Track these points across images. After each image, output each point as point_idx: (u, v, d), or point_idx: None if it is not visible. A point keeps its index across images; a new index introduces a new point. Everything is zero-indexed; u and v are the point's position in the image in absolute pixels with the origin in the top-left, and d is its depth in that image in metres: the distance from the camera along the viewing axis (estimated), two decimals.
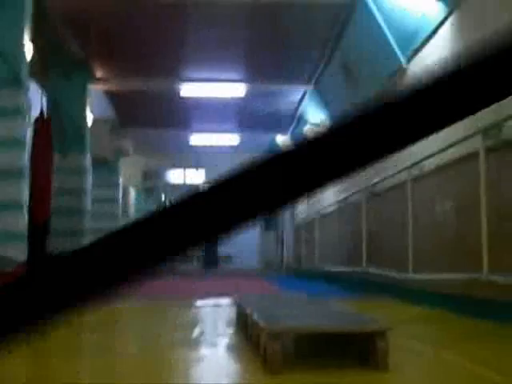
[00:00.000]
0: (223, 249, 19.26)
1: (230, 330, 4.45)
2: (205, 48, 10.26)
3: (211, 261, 18.89)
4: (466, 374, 2.85)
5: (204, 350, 3.77)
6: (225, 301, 6.97)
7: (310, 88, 11.85)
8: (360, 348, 2.94)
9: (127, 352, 3.89)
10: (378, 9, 7.60)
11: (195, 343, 4.03)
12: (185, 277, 15.13)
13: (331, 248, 11.37)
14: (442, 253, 5.92)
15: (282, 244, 19.72)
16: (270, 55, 10.59)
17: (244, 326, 4.05)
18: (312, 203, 14.54)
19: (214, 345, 3.89)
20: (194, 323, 5.25)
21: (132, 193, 21.03)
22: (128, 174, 16.84)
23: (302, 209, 16.45)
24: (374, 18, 7.69)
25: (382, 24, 7.61)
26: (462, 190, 5.44)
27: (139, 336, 4.67)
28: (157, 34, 9.49)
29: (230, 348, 3.74)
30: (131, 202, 20.89)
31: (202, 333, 4.56)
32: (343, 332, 2.91)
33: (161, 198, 26.53)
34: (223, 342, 4.01)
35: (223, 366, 3.16)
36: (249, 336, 3.64)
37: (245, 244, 19.31)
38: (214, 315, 6.00)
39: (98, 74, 11.08)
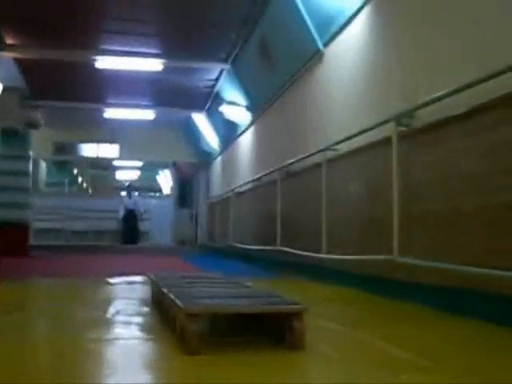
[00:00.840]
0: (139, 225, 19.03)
1: (146, 309, 4.43)
2: (122, 21, 10.01)
3: (131, 236, 18.53)
4: (379, 353, 2.96)
5: (118, 330, 3.74)
6: (140, 278, 6.93)
7: (227, 66, 11.80)
8: (276, 328, 3.00)
9: (34, 333, 3.80)
10: None
11: (109, 323, 3.98)
12: (99, 253, 14.94)
13: (246, 226, 11.47)
14: (355, 234, 6.10)
15: (197, 221, 19.73)
16: (188, 31, 10.44)
17: (160, 305, 4.05)
18: (227, 181, 14.59)
19: (128, 324, 3.85)
20: (107, 302, 5.18)
21: (43, 166, 20.44)
22: (39, 147, 16.30)
23: (217, 187, 16.49)
24: (294, 0, 7.72)
25: (301, 7, 7.65)
26: (376, 173, 5.61)
27: (48, 315, 4.54)
28: (73, 3, 9.17)
29: (146, 328, 3.73)
30: (42, 176, 20.32)
31: (116, 312, 4.51)
32: (260, 312, 2.96)
33: (73, 171, 25.92)
34: (138, 321, 3.99)
35: (139, 347, 3.14)
36: (165, 316, 3.64)
37: (159, 221, 19.23)
38: (129, 293, 5.94)
39: (9, 40, 10.60)
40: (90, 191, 29.61)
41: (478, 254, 3.90)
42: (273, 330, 3.05)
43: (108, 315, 4.29)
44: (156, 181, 28.10)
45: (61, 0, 9.06)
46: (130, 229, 18.44)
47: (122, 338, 3.41)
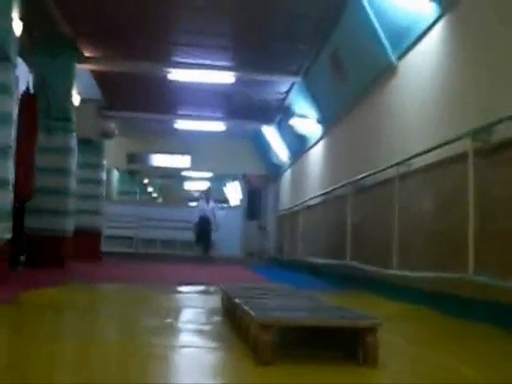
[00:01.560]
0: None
1: (216, 319, 4.47)
2: (195, 33, 10.21)
3: (204, 246, 16.70)
4: (450, 372, 2.90)
5: (192, 338, 3.79)
6: (209, 288, 6.99)
7: (298, 79, 11.83)
8: (348, 342, 2.98)
9: (107, 338, 3.88)
10: (371, 4, 7.58)
11: (179, 330, 4.06)
12: (169, 261, 15.17)
13: (315, 240, 11.42)
14: (427, 251, 5.98)
15: (265, 234, 19.75)
16: (259, 44, 10.57)
17: (231, 315, 4.08)
18: (296, 194, 14.59)
19: (199, 333, 3.90)
20: (177, 310, 5.27)
21: (115, 175, 20.97)
22: (112, 156, 16.74)
23: (286, 199, 16.51)
24: (366, 14, 7.67)
25: (374, 20, 7.60)
26: (450, 189, 5.50)
27: (116, 321, 4.62)
28: (147, 16, 9.41)
29: (217, 337, 3.75)
30: (114, 184, 20.84)
31: (186, 320, 4.58)
32: (335, 326, 2.94)
33: (143, 181, 26.45)
34: (209, 330, 4.04)
35: (213, 355, 3.18)
36: (236, 326, 3.67)
37: (228, 231, 19.31)
38: (199, 302, 6.03)
39: (87, 53, 10.96)
40: (159, 200, 30.11)
41: None
42: (345, 345, 3.02)
43: (178, 323, 4.36)
44: (223, 192, 28.31)
45: (135, 14, 9.33)
46: (203, 238, 16.32)
47: (196, 346, 3.45)
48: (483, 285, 4.49)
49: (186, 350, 3.35)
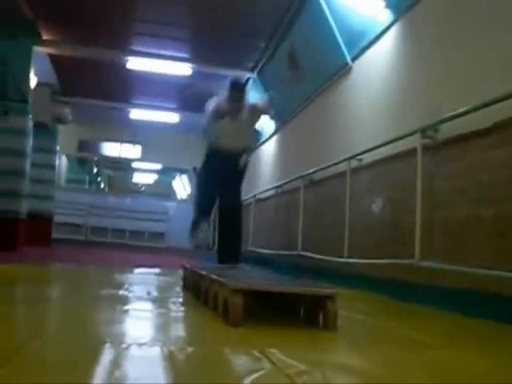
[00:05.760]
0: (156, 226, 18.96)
1: (181, 292, 4.69)
2: (155, 23, 10.33)
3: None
4: (403, 337, 3.21)
5: (160, 304, 3.99)
6: (167, 270, 7.17)
7: (253, 75, 12.07)
8: (309, 310, 3.27)
9: (59, 303, 3.97)
10: (328, 5, 7.91)
11: (149, 299, 4.24)
12: (121, 250, 15.08)
13: (267, 232, 11.63)
14: (377, 240, 6.32)
15: (214, 226, 19.85)
16: (217, 38, 10.75)
17: (195, 289, 4.30)
18: (248, 188, 14.79)
19: (168, 301, 4.11)
20: (142, 284, 5.42)
21: (64, 161, 20.77)
22: (63, 143, 16.63)
23: None
24: (324, 14, 7.97)
25: (331, 20, 7.91)
26: (399, 182, 5.85)
27: (82, 291, 4.71)
28: (109, 3, 9.50)
29: (186, 305, 3.99)
30: (63, 172, 20.64)
31: (153, 292, 4.77)
32: (301, 293, 3.22)
33: (93, 170, 26.22)
34: (177, 300, 4.25)
35: (184, 318, 3.40)
36: (202, 297, 3.89)
37: (177, 223, 19.41)
38: (161, 281, 6.22)
39: (46, 36, 10.94)
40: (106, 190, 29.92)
41: (491, 258, 4.16)
42: (306, 312, 3.31)
43: (143, 294, 4.53)
44: (171, 186, 28.25)
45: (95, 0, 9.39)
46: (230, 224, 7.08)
47: (170, 312, 3.64)
48: (429, 270, 4.86)
49: (166, 315, 3.52)
